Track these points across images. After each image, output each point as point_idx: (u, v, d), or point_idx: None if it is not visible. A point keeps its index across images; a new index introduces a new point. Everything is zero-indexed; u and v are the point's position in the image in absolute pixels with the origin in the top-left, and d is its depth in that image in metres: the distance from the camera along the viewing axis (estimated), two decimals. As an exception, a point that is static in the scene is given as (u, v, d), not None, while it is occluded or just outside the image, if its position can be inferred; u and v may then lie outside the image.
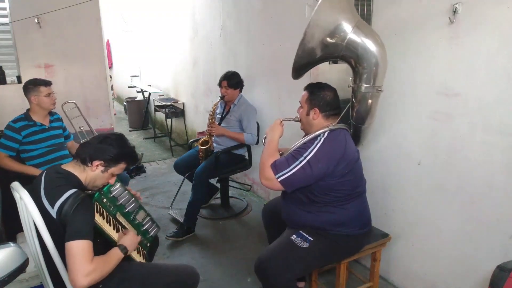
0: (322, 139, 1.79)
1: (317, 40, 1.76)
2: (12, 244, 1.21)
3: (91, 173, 1.59)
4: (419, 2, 1.98)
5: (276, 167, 1.77)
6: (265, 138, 2.01)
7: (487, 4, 1.70)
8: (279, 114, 3.32)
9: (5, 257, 1.16)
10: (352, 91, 1.92)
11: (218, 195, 3.66)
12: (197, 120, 5.09)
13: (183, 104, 5.46)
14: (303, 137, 2.05)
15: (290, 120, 2.02)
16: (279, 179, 1.75)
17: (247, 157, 3.39)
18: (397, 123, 2.20)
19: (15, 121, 2.59)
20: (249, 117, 3.23)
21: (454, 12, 1.81)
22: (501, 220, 1.79)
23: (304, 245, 1.83)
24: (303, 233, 1.87)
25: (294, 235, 1.88)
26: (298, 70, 1.93)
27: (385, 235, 2.13)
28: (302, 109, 1.94)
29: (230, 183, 3.72)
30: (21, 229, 1.55)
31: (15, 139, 2.55)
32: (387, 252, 2.34)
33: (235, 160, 3.30)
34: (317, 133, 1.83)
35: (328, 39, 1.77)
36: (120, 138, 1.65)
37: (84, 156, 1.58)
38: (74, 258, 1.34)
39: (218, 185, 3.62)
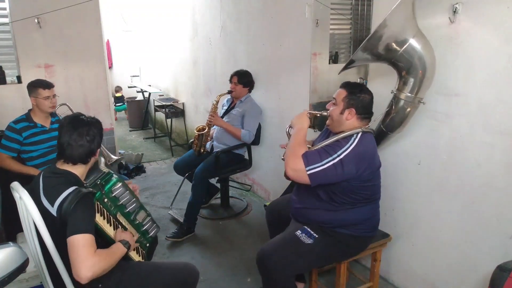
0: (356, 140, 1.75)
1: (382, 41, 1.77)
2: (12, 244, 1.21)
3: (89, 164, 1.64)
4: (419, 2, 1.98)
5: (308, 159, 1.71)
6: (289, 127, 1.96)
7: (487, 4, 1.70)
8: (279, 114, 3.32)
9: (5, 257, 1.16)
10: (393, 97, 1.92)
11: (218, 195, 3.66)
12: (197, 120, 5.08)
13: (183, 104, 5.46)
14: (324, 133, 2.04)
15: (316, 114, 1.97)
16: (309, 172, 1.69)
17: (247, 157, 3.39)
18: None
19: (16, 122, 2.58)
20: (252, 115, 3.23)
21: (454, 12, 1.81)
22: (501, 220, 1.79)
23: (308, 241, 1.83)
24: (308, 229, 1.86)
25: (299, 231, 1.87)
26: (350, 64, 1.93)
27: (385, 235, 2.13)
28: (335, 106, 1.86)
29: (230, 183, 3.72)
30: (21, 229, 1.55)
31: (16, 140, 2.54)
32: (387, 252, 2.34)
33: (235, 160, 3.30)
34: (350, 132, 1.78)
35: (391, 42, 1.78)
36: (85, 122, 1.60)
37: (81, 157, 1.57)
38: (77, 251, 1.34)
39: (218, 185, 3.62)
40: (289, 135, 2.01)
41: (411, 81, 1.84)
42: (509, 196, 1.74)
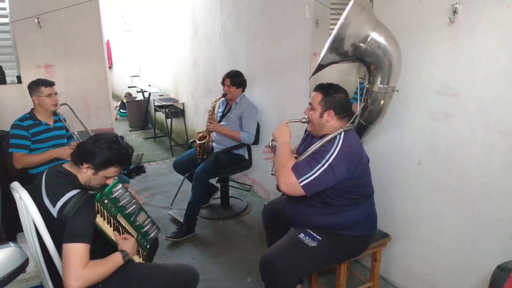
0: (341, 141, 1.74)
1: (346, 40, 1.77)
2: (12, 244, 1.21)
3: (84, 175, 1.57)
4: (419, 2, 1.98)
5: (298, 171, 1.69)
6: (272, 140, 1.96)
7: (487, 4, 1.70)
8: (279, 114, 3.32)
9: (5, 257, 1.17)
10: (366, 91, 1.93)
11: (218, 195, 3.66)
12: (197, 120, 5.09)
13: (183, 104, 5.46)
14: (306, 139, 2.04)
15: (296, 122, 1.95)
16: (302, 184, 1.67)
17: (247, 157, 3.39)
18: (397, 123, 2.20)
19: (21, 119, 2.58)
20: (249, 115, 3.22)
21: (454, 12, 1.81)
22: (501, 220, 1.79)
23: (313, 244, 1.81)
24: (311, 232, 1.85)
25: (302, 234, 1.85)
26: (318, 69, 1.93)
27: (385, 235, 2.13)
28: (313, 111, 1.85)
29: (230, 183, 3.72)
30: (21, 229, 1.55)
31: (25, 136, 2.54)
32: (387, 252, 2.34)
33: (235, 160, 3.30)
34: (333, 134, 1.77)
35: (353, 40, 1.78)
36: (112, 141, 1.58)
37: (76, 157, 1.57)
38: (68, 260, 1.35)
39: (218, 185, 3.62)
40: (272, 148, 1.99)
41: (380, 72, 1.86)
42: (509, 196, 1.74)
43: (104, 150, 1.55)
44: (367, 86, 1.91)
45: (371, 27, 1.78)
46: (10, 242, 1.24)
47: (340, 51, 1.81)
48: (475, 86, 1.80)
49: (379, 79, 1.87)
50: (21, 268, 1.20)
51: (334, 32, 1.77)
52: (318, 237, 1.83)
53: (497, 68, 1.71)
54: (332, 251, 1.86)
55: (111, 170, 1.58)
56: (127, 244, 1.59)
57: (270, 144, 2.00)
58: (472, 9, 1.76)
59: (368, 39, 1.78)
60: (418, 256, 2.23)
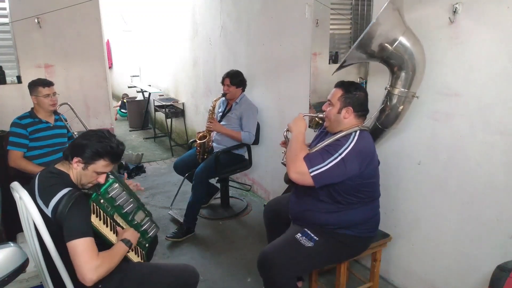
0: (356, 137, 1.75)
1: (375, 39, 1.78)
2: (12, 244, 1.21)
3: (75, 171, 1.55)
4: (419, 2, 1.98)
5: (311, 161, 1.71)
6: (286, 131, 1.97)
7: (487, 4, 1.70)
8: (279, 114, 3.32)
9: (5, 257, 1.17)
10: (386, 94, 1.93)
11: (218, 195, 3.66)
12: (197, 120, 5.09)
13: (183, 104, 5.46)
14: (320, 135, 2.04)
15: (313, 116, 1.96)
16: (312, 174, 1.69)
17: (247, 157, 3.39)
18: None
19: (20, 118, 2.60)
20: (249, 115, 3.23)
21: (454, 12, 1.81)
22: (501, 220, 1.79)
23: (309, 244, 1.82)
24: (309, 232, 1.86)
25: (299, 234, 1.86)
26: (343, 66, 1.93)
27: (385, 235, 2.13)
28: (331, 106, 1.85)
29: (230, 183, 3.72)
30: (21, 229, 1.55)
31: (23, 135, 2.55)
32: (387, 252, 2.34)
33: (235, 160, 3.30)
34: (349, 131, 1.79)
35: (382, 41, 1.78)
36: (102, 134, 1.57)
37: (67, 153, 1.56)
38: (80, 255, 1.35)
39: (218, 185, 3.62)
40: (286, 138, 2.00)
41: (403, 76, 1.86)
42: (509, 196, 1.74)
43: (93, 141, 1.53)
44: (388, 88, 1.91)
45: (400, 31, 1.78)
46: (10, 242, 1.24)
47: (367, 50, 1.82)
48: (475, 86, 1.80)
49: (401, 83, 1.87)
50: (21, 268, 1.20)
51: (365, 30, 1.77)
52: (315, 237, 1.83)
53: (497, 68, 1.71)
54: (330, 251, 1.86)
55: (101, 164, 1.54)
56: (126, 233, 1.60)
57: (285, 134, 2.00)
58: (472, 9, 1.76)
59: (396, 43, 1.78)
60: (418, 256, 2.23)
